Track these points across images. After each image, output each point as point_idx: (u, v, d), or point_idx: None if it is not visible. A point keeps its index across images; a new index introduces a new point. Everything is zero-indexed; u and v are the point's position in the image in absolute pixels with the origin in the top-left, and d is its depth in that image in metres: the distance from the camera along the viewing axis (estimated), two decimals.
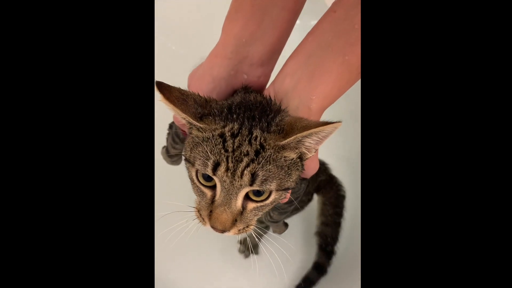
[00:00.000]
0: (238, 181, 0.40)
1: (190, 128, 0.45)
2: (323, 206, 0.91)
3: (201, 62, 0.54)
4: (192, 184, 0.45)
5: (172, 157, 0.67)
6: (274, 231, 0.76)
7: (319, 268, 0.90)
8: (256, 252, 0.97)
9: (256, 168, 0.40)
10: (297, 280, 0.90)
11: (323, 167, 0.88)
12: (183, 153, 0.46)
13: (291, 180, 0.43)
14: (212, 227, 0.43)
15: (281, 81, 0.47)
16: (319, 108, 0.45)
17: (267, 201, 0.43)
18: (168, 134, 0.65)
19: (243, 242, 0.99)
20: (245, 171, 0.40)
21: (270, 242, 0.99)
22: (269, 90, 0.49)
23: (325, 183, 0.90)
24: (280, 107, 0.45)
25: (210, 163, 0.40)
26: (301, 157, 0.44)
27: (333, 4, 0.46)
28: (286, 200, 0.47)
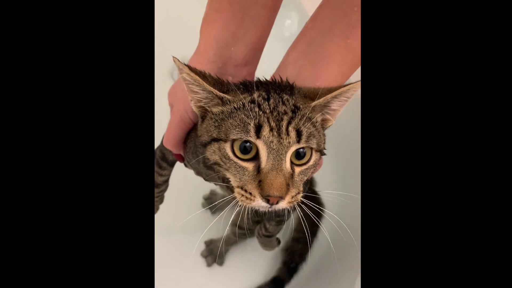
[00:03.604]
0: (286, 139, 0.39)
1: (204, 112, 0.44)
2: (300, 221, 0.87)
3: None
4: (226, 164, 0.42)
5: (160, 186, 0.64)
6: (265, 249, 0.71)
7: (278, 283, 0.87)
8: (220, 263, 0.92)
9: (299, 125, 0.40)
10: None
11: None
12: (203, 139, 0.44)
13: (323, 141, 0.43)
14: (267, 196, 0.39)
15: (283, 70, 0.46)
16: None
17: (310, 163, 0.42)
18: None
19: (208, 245, 0.93)
20: (290, 128, 0.39)
21: (236, 253, 0.93)
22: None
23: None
24: (288, 81, 0.44)
25: (251, 127, 0.39)
26: (322, 126, 0.44)
27: None
28: (320, 167, 0.46)
